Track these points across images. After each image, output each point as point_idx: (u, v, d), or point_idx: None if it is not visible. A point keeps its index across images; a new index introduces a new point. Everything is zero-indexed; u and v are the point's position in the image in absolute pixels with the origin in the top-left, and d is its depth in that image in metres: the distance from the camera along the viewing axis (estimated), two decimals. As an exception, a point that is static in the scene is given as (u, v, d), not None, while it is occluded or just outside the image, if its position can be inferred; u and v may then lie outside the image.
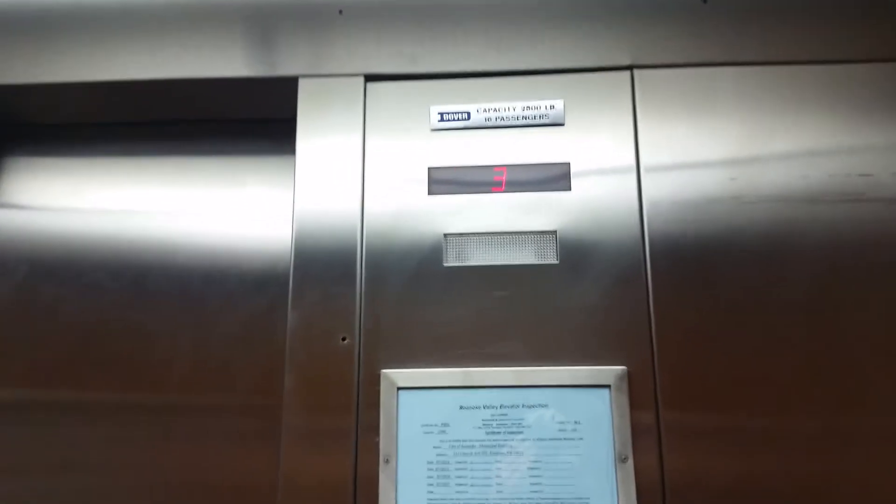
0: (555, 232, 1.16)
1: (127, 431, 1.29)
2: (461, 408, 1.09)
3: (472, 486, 1.06)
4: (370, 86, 1.25)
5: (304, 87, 1.25)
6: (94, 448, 1.29)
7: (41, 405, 1.31)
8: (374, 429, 1.09)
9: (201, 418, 1.28)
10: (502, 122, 1.22)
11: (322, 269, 1.16)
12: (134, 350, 1.31)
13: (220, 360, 1.30)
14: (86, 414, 1.30)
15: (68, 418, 1.30)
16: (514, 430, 1.08)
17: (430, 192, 1.19)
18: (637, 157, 1.19)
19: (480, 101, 1.23)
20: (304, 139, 1.22)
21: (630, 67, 1.24)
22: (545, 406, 1.09)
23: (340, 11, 1.28)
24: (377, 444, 1.08)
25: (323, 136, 1.22)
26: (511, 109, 1.22)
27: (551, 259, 1.15)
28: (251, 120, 1.39)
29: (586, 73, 1.24)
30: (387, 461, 1.07)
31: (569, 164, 1.19)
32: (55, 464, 1.29)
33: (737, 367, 1.09)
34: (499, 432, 1.08)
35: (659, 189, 1.17)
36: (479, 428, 1.08)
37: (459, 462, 1.07)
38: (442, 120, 1.22)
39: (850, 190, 1.16)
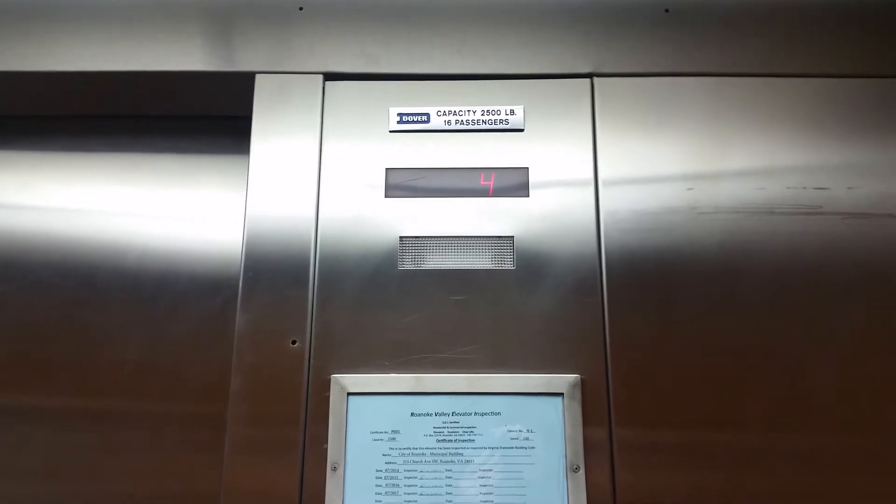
0: (512, 237, 1.15)
1: (70, 437, 1.24)
2: (412, 414, 1.07)
3: (421, 495, 1.04)
4: (329, 85, 1.23)
5: (260, 83, 1.22)
6: (35, 454, 1.24)
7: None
8: (323, 435, 1.06)
9: (148, 425, 1.24)
10: (462, 126, 1.20)
11: (273, 270, 1.13)
12: (80, 353, 1.27)
13: (170, 365, 1.26)
14: (26, 417, 1.25)
15: (7, 421, 1.25)
16: (466, 437, 1.06)
17: (387, 195, 1.17)
18: (595, 165, 1.18)
19: (440, 104, 1.21)
20: (260, 136, 1.19)
21: (590, 75, 1.23)
22: (498, 414, 1.07)
23: (301, 8, 1.26)
24: (325, 450, 1.05)
25: (279, 133, 1.19)
26: (471, 113, 1.21)
27: (508, 265, 1.14)
28: (206, 117, 1.35)
29: (547, 80, 1.23)
30: (334, 469, 1.04)
31: (527, 169, 1.18)
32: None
33: (691, 379, 1.08)
34: (450, 440, 1.06)
35: (616, 197, 1.16)
36: (430, 435, 1.06)
37: (409, 470, 1.05)
38: (401, 121, 1.20)
39: (807, 203, 1.17)
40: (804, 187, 1.18)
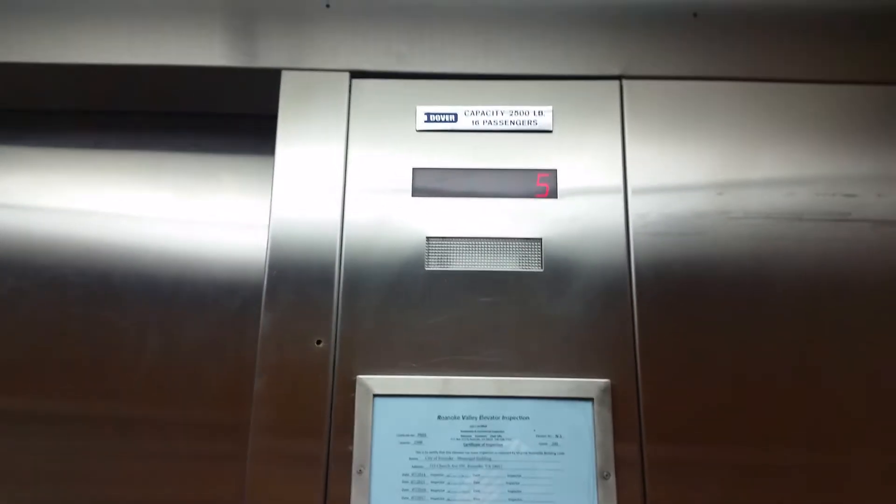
0: (540, 239, 1.13)
1: (82, 441, 1.21)
2: (439, 417, 1.05)
3: (448, 500, 1.02)
4: (356, 82, 1.21)
5: (286, 80, 1.20)
6: (44, 457, 1.21)
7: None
8: (348, 437, 1.04)
9: (165, 431, 1.21)
10: (490, 126, 1.19)
11: (298, 269, 1.11)
12: (93, 353, 1.24)
13: (186, 369, 1.23)
14: (37, 420, 1.22)
15: (18, 426, 1.22)
16: (494, 442, 1.04)
17: (413, 194, 1.15)
18: (624, 167, 1.17)
19: (468, 104, 1.20)
20: (286, 132, 1.17)
21: (619, 77, 1.22)
22: (526, 418, 1.05)
23: (328, 5, 1.24)
24: (350, 453, 1.03)
25: (305, 130, 1.18)
26: (499, 114, 1.19)
27: (535, 267, 1.12)
28: (230, 115, 1.34)
29: (575, 81, 1.22)
30: (360, 472, 1.02)
31: (556, 171, 1.17)
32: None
33: (721, 384, 1.07)
34: (478, 444, 1.04)
35: (645, 200, 1.15)
36: (458, 439, 1.04)
37: (436, 475, 1.03)
38: (428, 121, 1.19)
39: (836, 209, 1.15)
40: (833, 194, 1.16)
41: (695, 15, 1.25)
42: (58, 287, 1.27)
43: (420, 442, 1.04)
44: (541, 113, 1.19)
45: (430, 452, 1.03)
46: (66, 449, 1.21)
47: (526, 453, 1.03)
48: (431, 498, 1.01)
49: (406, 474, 1.02)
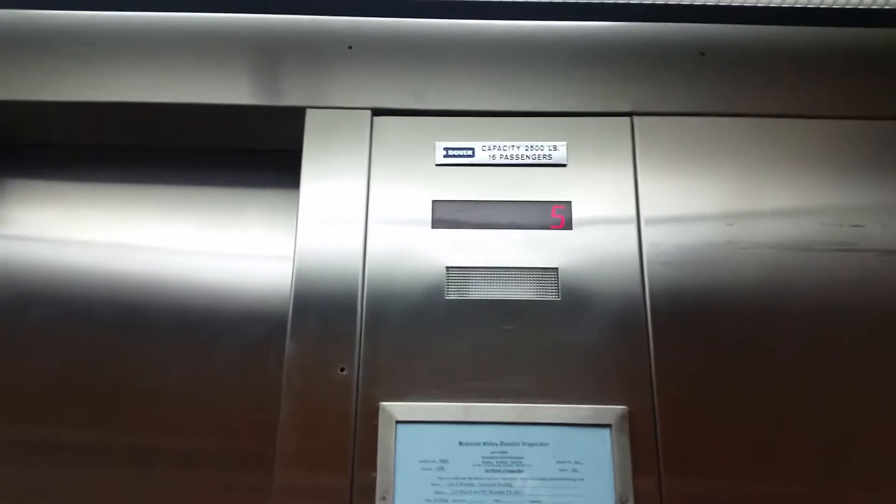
0: (556, 269, 1.17)
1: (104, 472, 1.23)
2: (461, 444, 1.07)
3: (470, 525, 1.03)
4: (377, 120, 1.26)
5: (311, 117, 1.25)
6: (65, 490, 1.22)
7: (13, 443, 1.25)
8: (371, 463, 1.06)
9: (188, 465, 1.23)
10: (506, 160, 1.23)
11: (322, 298, 1.14)
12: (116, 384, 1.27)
13: (212, 403, 1.26)
14: (63, 452, 1.24)
15: (43, 458, 1.24)
16: (515, 468, 1.06)
17: (433, 226, 1.19)
18: (637, 199, 1.21)
19: (485, 139, 1.24)
20: (310, 168, 1.22)
21: (630, 114, 1.27)
22: (546, 444, 1.07)
23: (350, 47, 1.30)
24: (374, 479, 1.05)
25: (329, 165, 1.22)
26: (515, 148, 1.24)
27: (553, 296, 1.15)
28: (254, 150, 1.38)
29: (588, 118, 1.27)
30: (383, 498, 1.04)
31: (570, 203, 1.21)
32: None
33: (735, 409, 1.09)
34: (499, 470, 1.06)
35: (657, 231, 1.18)
36: (479, 465, 1.06)
37: (458, 500, 1.04)
38: (447, 155, 1.23)
39: (842, 239, 1.19)
40: (840, 224, 1.20)
41: (702, 54, 1.31)
42: (85, 318, 1.30)
43: (442, 468, 1.06)
44: (555, 148, 1.24)
45: (452, 478, 1.05)
46: (91, 479, 1.22)
47: (546, 479, 1.05)
48: (454, 523, 1.03)
49: (429, 500, 1.04)
